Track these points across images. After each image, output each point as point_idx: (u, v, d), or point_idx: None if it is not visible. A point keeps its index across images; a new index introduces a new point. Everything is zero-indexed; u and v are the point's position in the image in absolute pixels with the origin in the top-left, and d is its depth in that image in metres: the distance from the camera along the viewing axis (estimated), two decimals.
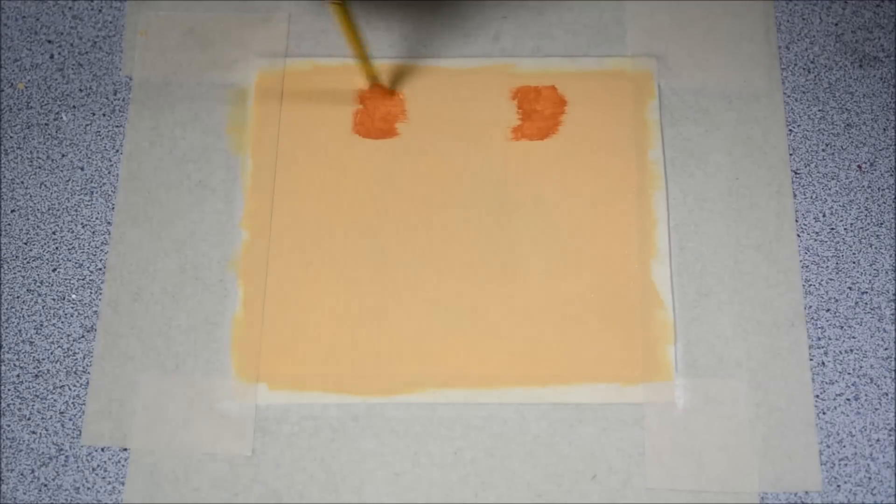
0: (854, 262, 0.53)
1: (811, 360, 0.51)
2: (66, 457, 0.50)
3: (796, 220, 0.53)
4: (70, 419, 0.50)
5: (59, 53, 0.58)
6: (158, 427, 0.50)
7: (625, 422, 0.50)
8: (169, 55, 0.57)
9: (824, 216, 0.54)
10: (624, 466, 0.49)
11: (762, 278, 0.52)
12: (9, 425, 0.50)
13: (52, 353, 0.52)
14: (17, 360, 0.51)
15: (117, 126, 0.56)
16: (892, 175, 0.54)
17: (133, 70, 0.57)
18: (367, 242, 0.53)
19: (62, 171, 0.55)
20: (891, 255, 0.53)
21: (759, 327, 0.51)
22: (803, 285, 0.52)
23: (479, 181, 0.54)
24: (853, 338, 0.51)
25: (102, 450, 0.50)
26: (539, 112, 0.56)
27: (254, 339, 0.51)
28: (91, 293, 0.53)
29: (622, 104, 0.55)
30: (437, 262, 0.53)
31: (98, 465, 0.50)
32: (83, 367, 0.51)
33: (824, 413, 0.50)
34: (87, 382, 0.51)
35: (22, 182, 0.55)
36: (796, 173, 0.54)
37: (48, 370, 0.51)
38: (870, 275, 0.52)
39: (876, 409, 0.50)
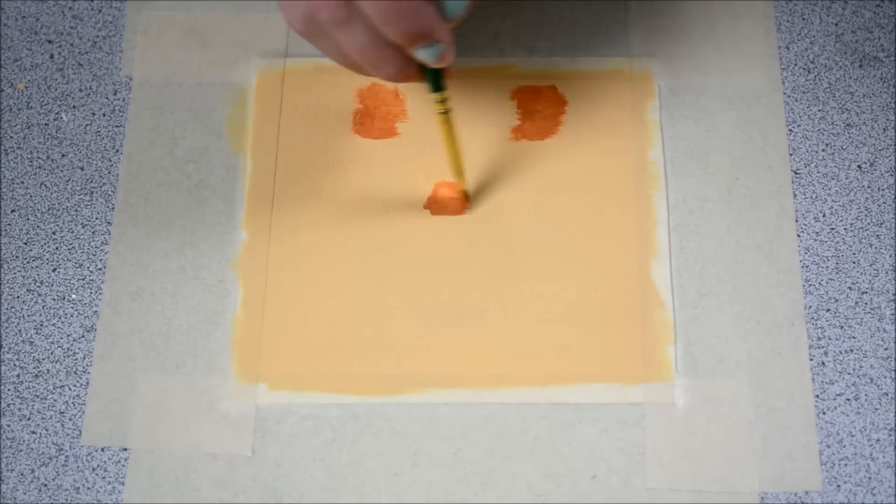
0: (854, 262, 0.53)
1: (811, 360, 0.51)
2: (66, 457, 0.50)
3: (796, 220, 0.53)
4: (70, 419, 0.50)
5: (59, 53, 0.58)
6: (158, 427, 0.50)
7: (625, 422, 0.50)
8: (169, 55, 0.57)
9: (824, 216, 0.54)
10: (624, 466, 0.49)
11: (762, 278, 0.52)
12: (9, 425, 0.50)
13: (52, 353, 0.52)
14: (17, 360, 0.51)
15: (117, 126, 0.56)
16: (892, 175, 0.54)
17: (133, 70, 0.57)
18: (367, 242, 0.53)
19: (62, 171, 0.55)
20: (891, 255, 0.53)
21: (759, 327, 0.51)
22: (803, 285, 0.52)
23: (479, 181, 0.54)
24: (853, 338, 0.51)
25: (102, 450, 0.50)
26: (539, 112, 0.56)
27: (254, 339, 0.51)
28: (91, 293, 0.53)
29: (622, 104, 0.55)
30: (437, 262, 0.53)
31: (98, 465, 0.50)
32: (83, 367, 0.51)
33: (824, 413, 0.50)
34: (87, 382, 0.51)
35: (22, 182, 0.55)
36: (796, 173, 0.54)
37: (48, 370, 0.51)
38: (870, 275, 0.52)
39: (876, 409, 0.50)
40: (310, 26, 0.41)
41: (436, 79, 0.45)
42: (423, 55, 0.42)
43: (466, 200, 0.53)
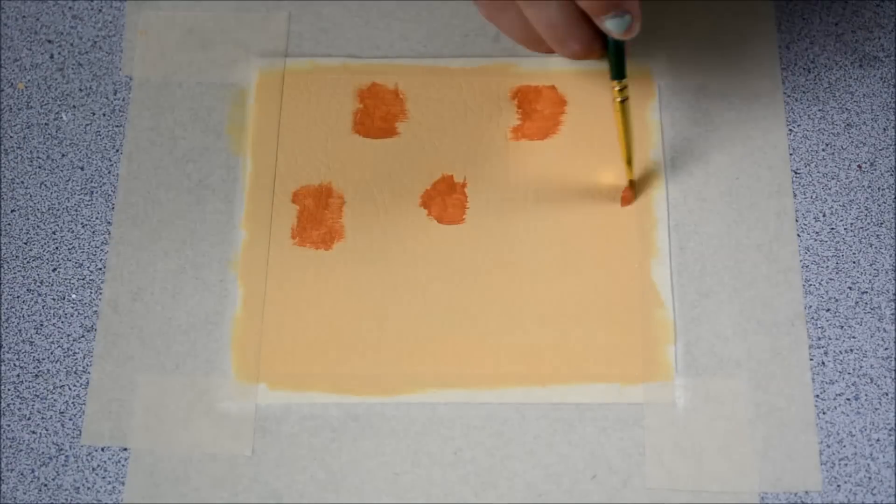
0: (854, 262, 0.53)
1: (811, 360, 0.51)
2: (66, 457, 0.50)
3: (796, 220, 0.53)
4: (70, 419, 0.50)
5: (59, 53, 0.58)
6: (158, 427, 0.50)
7: (625, 422, 0.50)
8: (169, 55, 0.57)
9: (824, 216, 0.54)
10: (624, 466, 0.49)
11: (762, 278, 0.52)
12: (9, 425, 0.50)
13: (52, 353, 0.52)
14: (17, 360, 0.51)
15: (117, 126, 0.56)
16: (892, 175, 0.54)
17: (133, 70, 0.57)
18: (367, 242, 0.53)
19: (62, 171, 0.55)
20: (891, 255, 0.53)
21: (759, 327, 0.51)
22: (803, 285, 0.52)
23: (478, 181, 0.54)
24: (853, 338, 0.51)
25: (102, 450, 0.50)
26: (539, 112, 0.56)
27: (254, 339, 0.51)
28: (91, 293, 0.53)
29: None
30: (437, 262, 0.53)
31: (98, 465, 0.50)
32: (83, 367, 0.51)
33: (824, 413, 0.50)
34: (87, 382, 0.51)
35: (22, 182, 0.55)
36: (796, 173, 0.54)
37: (48, 370, 0.51)
38: (870, 275, 0.52)
39: (876, 409, 0.50)
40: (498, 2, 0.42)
41: (618, 61, 0.47)
42: (611, 25, 0.43)
43: (632, 190, 0.53)
